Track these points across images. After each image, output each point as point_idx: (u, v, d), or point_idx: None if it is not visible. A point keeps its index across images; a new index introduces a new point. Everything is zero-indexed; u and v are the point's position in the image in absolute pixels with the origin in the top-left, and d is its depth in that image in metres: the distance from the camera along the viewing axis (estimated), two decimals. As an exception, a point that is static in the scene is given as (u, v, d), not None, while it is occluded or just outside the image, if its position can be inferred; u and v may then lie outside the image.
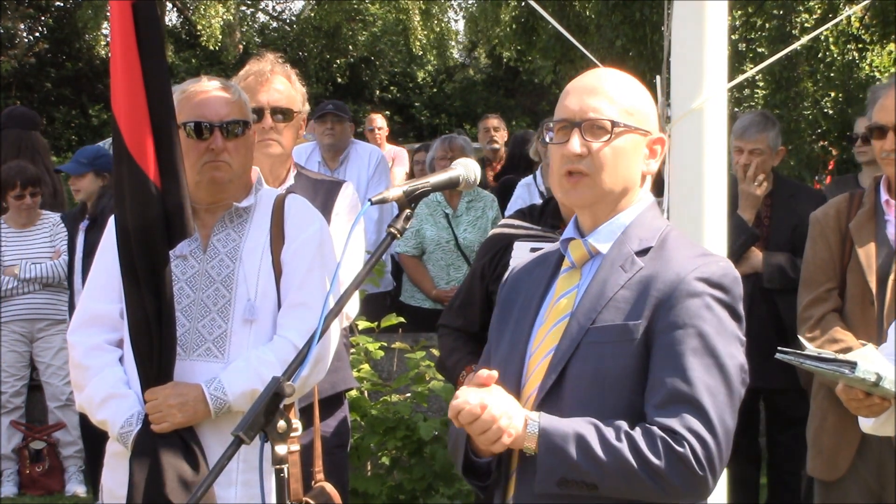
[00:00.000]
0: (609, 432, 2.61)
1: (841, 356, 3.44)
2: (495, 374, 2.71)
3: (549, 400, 2.72)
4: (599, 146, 2.76)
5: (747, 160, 6.21)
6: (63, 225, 8.32)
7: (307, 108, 4.61)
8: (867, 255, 4.31)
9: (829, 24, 7.84)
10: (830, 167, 12.26)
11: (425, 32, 20.42)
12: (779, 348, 3.50)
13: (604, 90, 2.80)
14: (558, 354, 2.73)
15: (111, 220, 3.74)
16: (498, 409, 2.64)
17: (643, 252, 2.76)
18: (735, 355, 2.69)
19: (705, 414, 2.61)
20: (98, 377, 3.73)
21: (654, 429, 2.61)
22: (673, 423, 2.60)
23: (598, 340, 2.70)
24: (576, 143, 2.77)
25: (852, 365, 3.34)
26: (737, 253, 5.99)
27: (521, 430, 2.65)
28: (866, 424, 3.73)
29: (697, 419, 2.60)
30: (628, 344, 2.67)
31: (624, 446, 2.60)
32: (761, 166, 6.21)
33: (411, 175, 10.45)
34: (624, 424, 2.62)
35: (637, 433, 2.61)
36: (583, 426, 2.62)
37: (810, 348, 3.56)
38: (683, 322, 2.65)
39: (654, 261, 2.74)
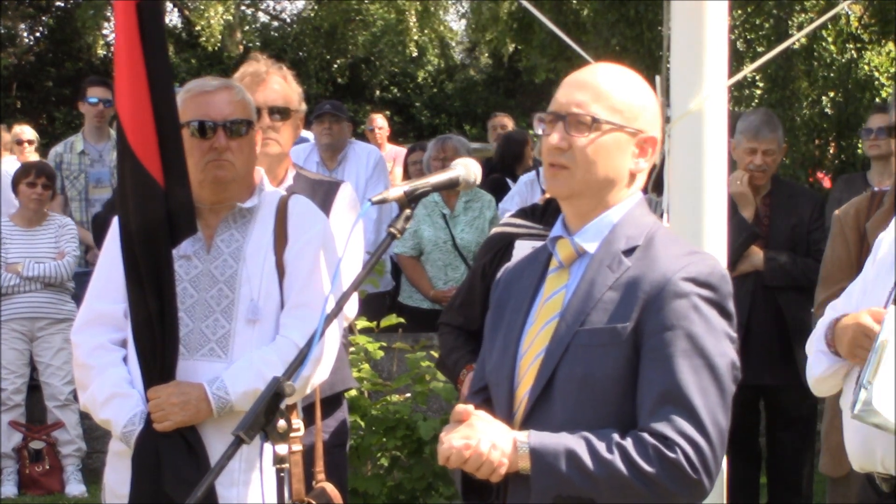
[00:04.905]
0: (600, 445, 2.59)
1: None
2: (471, 408, 2.68)
3: (540, 404, 2.71)
4: (581, 141, 2.73)
5: (762, 161, 6.23)
6: (70, 227, 8.34)
7: (304, 107, 4.61)
8: None
9: (825, 17, 7.84)
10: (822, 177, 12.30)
11: (426, 31, 20.42)
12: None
13: (593, 85, 2.77)
14: (548, 357, 2.71)
15: (115, 220, 3.75)
16: (485, 444, 2.61)
17: (630, 251, 2.73)
18: (726, 353, 2.67)
19: (696, 416, 2.59)
20: (101, 376, 3.74)
21: (646, 436, 2.59)
22: (664, 428, 2.58)
23: (586, 343, 2.67)
24: (555, 136, 2.75)
25: None
26: (738, 251, 6.01)
27: (512, 452, 2.63)
28: (813, 373, 3.64)
29: (689, 422, 2.59)
30: (616, 347, 2.65)
31: (616, 458, 2.58)
32: (773, 165, 6.25)
33: (407, 176, 10.45)
34: (615, 435, 2.61)
35: (628, 442, 2.59)
36: (573, 441, 2.61)
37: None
38: (671, 324, 2.62)
39: (641, 260, 2.70)
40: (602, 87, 2.77)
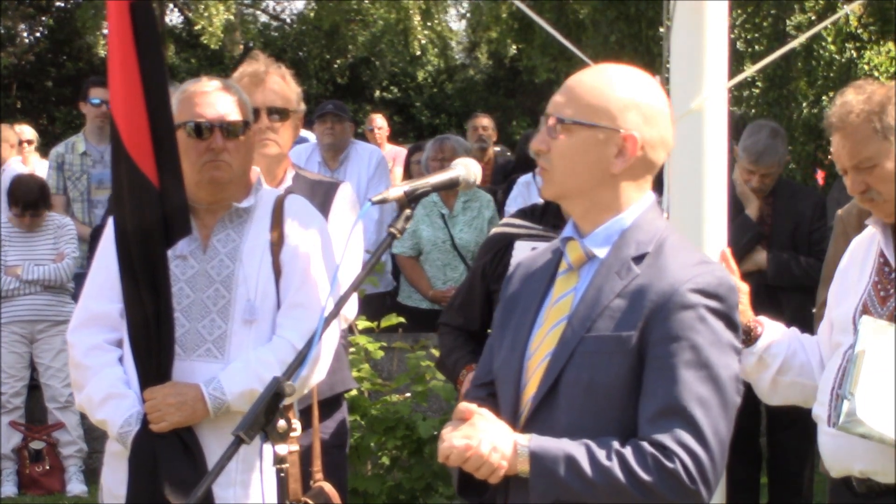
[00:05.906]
0: (600, 452, 2.59)
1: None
2: (474, 407, 2.68)
3: (544, 407, 2.70)
4: (555, 144, 2.73)
5: (759, 183, 6.30)
6: (69, 227, 8.33)
7: (303, 107, 4.59)
8: None
9: (829, 20, 7.86)
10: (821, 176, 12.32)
11: (426, 32, 20.41)
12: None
13: (573, 86, 2.75)
14: (554, 361, 2.70)
15: (110, 221, 3.75)
16: (486, 445, 2.61)
17: (640, 258, 2.71)
18: (730, 365, 2.66)
19: (697, 427, 2.59)
20: (98, 377, 3.75)
21: (645, 445, 2.59)
22: (664, 438, 2.58)
23: (592, 350, 2.67)
24: (538, 138, 2.76)
25: None
26: (742, 251, 6.03)
27: (512, 455, 2.63)
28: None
29: (689, 433, 2.58)
30: (621, 355, 2.64)
31: (615, 465, 2.58)
32: (770, 184, 6.35)
33: (408, 176, 10.44)
34: (615, 443, 2.60)
35: (628, 451, 2.59)
36: (574, 447, 2.60)
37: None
38: (677, 335, 2.62)
39: (650, 268, 2.69)
40: (580, 87, 2.74)
